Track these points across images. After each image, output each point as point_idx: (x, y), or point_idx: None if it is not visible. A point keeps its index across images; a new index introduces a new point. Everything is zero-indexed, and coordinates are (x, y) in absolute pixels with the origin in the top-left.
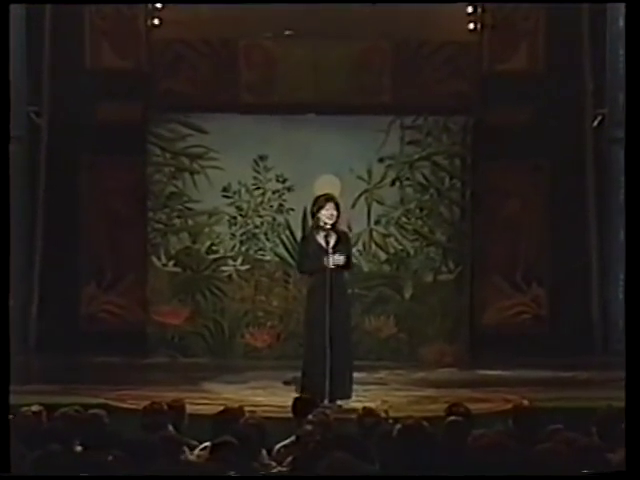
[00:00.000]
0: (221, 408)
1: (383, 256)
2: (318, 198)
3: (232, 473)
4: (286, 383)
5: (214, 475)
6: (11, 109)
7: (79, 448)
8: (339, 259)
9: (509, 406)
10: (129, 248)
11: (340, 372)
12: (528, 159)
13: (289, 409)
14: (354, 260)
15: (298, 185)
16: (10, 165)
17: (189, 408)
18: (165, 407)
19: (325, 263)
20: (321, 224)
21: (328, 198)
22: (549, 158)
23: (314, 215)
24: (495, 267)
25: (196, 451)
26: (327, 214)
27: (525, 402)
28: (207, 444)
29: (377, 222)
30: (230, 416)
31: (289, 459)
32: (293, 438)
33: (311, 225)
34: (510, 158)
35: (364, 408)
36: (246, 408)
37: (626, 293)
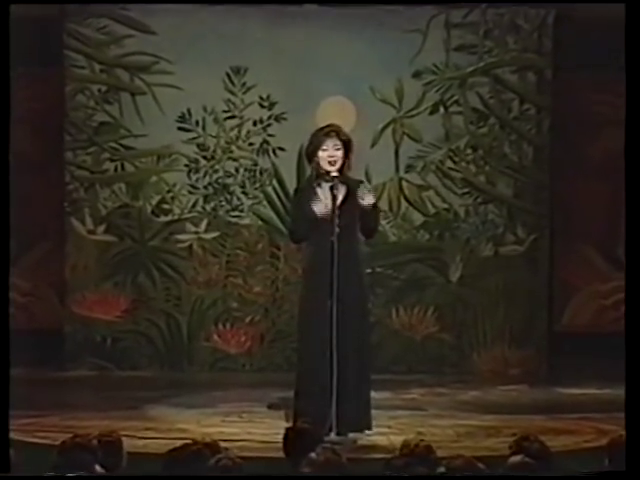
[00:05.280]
0: (178, 444)
1: (419, 219)
2: (317, 132)
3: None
4: (272, 407)
5: (214, 475)
6: None
7: None
8: (369, 197)
9: (604, 440)
10: (38, 206)
11: (352, 391)
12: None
13: (279, 445)
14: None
15: (292, 112)
16: None
17: (128, 443)
18: (93, 442)
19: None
20: (322, 171)
21: (330, 132)
22: None
23: (310, 158)
24: (585, 235)
25: None
26: (329, 156)
27: None
28: None
29: (410, 168)
30: (191, 455)
31: None
32: None
33: (310, 174)
34: (609, 71)
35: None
36: (213, 443)
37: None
